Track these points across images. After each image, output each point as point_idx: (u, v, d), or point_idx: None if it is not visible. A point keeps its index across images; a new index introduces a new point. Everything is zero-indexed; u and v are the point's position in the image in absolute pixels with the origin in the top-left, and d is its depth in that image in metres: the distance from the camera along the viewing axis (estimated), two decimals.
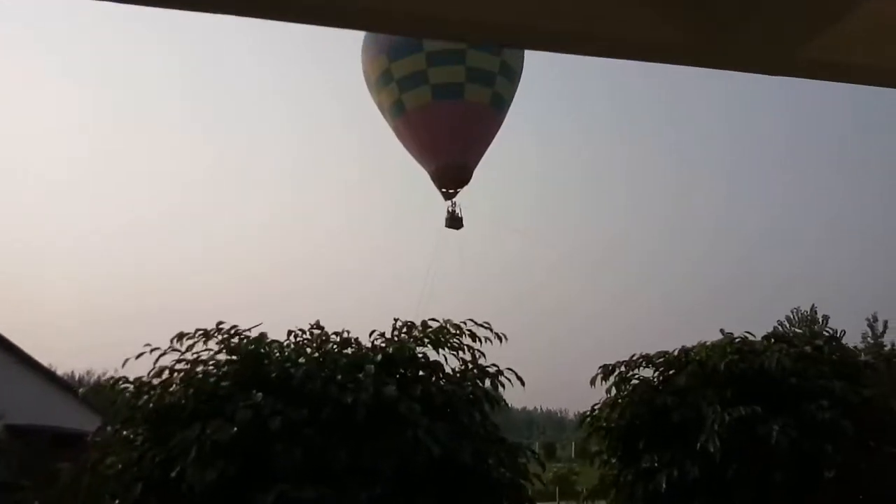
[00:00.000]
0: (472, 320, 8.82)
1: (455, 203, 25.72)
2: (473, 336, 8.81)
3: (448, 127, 24.16)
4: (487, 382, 8.71)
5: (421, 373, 8.80)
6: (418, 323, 8.93)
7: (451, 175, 25.13)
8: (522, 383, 8.76)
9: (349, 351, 8.88)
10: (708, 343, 10.46)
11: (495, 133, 25.99)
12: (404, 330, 9.09)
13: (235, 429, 7.42)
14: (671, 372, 10.71)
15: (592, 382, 10.96)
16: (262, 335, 8.77)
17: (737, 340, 10.38)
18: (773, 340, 10.48)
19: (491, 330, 8.91)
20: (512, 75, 25.18)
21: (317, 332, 9.19)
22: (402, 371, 8.67)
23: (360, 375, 8.06)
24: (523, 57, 26.09)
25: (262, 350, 8.58)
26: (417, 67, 23.74)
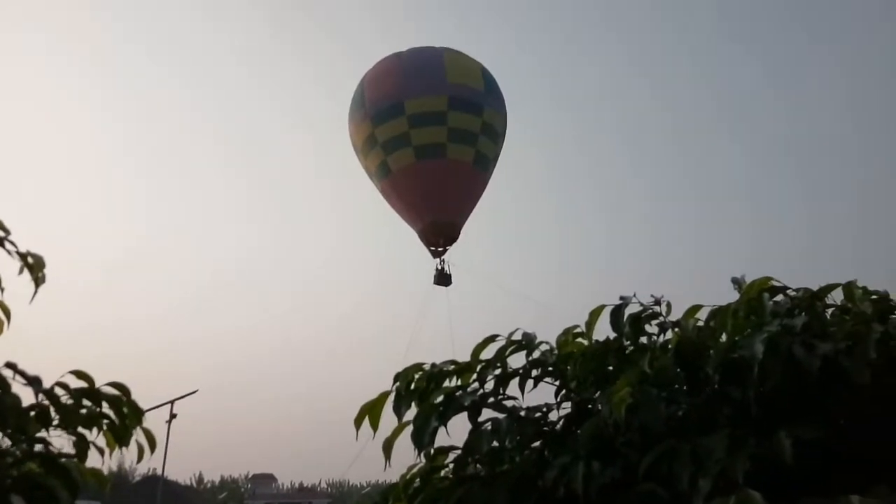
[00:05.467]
0: None
1: (444, 261, 24.96)
2: None
3: (432, 185, 23.54)
4: None
5: None
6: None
7: (438, 232, 24.41)
8: None
9: None
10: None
11: (481, 191, 25.34)
12: None
13: None
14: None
15: None
16: None
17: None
18: None
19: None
20: (494, 135, 24.64)
21: None
22: None
23: None
24: (506, 117, 25.63)
25: None
26: (400, 130, 23.37)
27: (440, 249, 25.04)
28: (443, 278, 24.80)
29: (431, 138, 23.58)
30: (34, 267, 1.88)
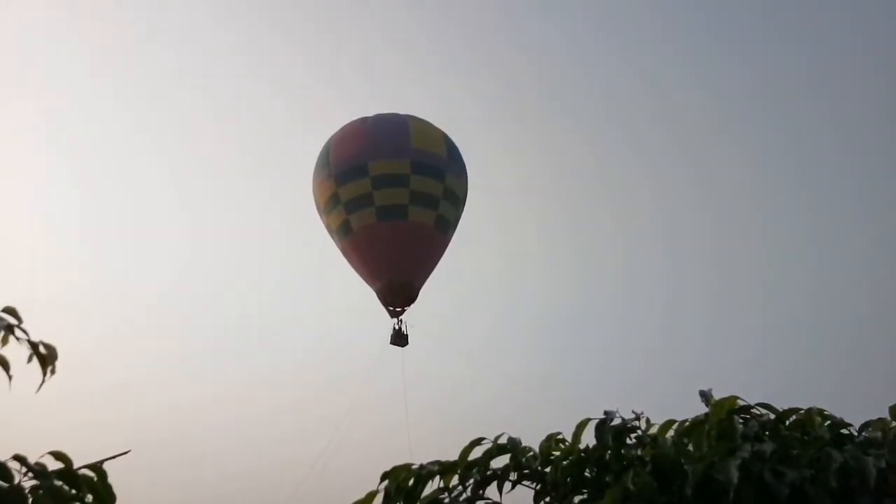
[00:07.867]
0: None
1: (401, 321, 24.97)
2: None
3: (392, 245, 23.74)
4: None
5: None
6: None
7: (397, 292, 24.47)
8: None
9: None
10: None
11: (441, 254, 25.58)
12: None
13: None
14: None
15: None
16: None
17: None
18: None
19: None
20: (456, 200, 25.09)
21: None
22: None
23: None
24: (467, 184, 26.12)
25: None
26: (363, 190, 23.67)
27: (398, 310, 25.13)
28: (399, 338, 24.85)
29: (394, 199, 23.92)
30: (46, 358, 1.89)
